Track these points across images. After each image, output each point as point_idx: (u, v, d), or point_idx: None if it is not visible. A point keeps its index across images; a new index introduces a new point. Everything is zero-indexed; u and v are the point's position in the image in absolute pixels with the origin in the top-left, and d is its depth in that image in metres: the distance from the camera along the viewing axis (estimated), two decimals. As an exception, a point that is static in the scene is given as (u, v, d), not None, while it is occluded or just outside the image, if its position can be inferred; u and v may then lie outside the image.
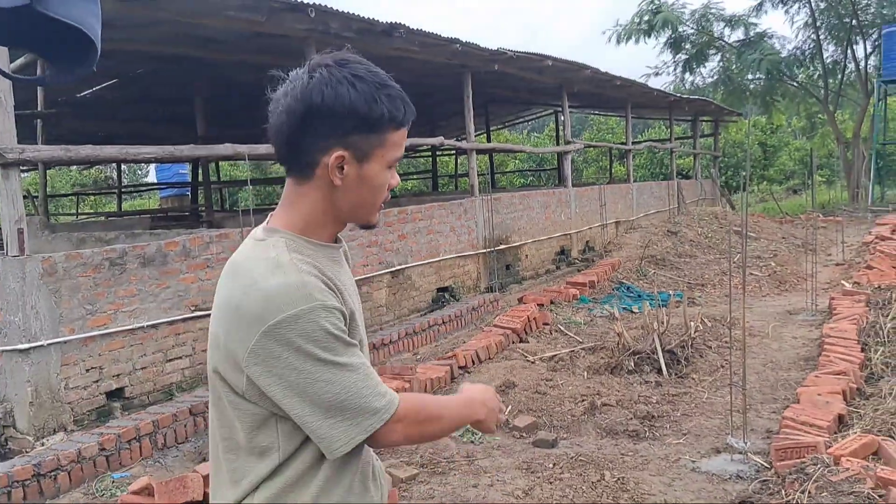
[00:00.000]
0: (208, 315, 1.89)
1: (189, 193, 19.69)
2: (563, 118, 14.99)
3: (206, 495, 4.15)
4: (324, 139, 1.46)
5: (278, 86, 1.50)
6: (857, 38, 26.07)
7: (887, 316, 7.07)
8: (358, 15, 8.03)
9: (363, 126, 1.47)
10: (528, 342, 7.90)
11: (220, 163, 22.31)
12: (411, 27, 8.69)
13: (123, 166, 23.24)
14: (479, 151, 13.79)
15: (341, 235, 1.67)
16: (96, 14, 1.26)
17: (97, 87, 11.92)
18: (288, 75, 1.51)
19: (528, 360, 7.21)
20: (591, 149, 29.98)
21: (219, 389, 1.51)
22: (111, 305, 5.90)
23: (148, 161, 7.53)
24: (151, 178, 30.90)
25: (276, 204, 1.63)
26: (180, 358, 6.41)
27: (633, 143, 18.81)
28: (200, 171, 15.28)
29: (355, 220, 1.59)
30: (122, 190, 21.43)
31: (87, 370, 5.73)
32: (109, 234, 8.57)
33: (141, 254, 6.17)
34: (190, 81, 11.58)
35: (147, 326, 6.15)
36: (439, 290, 9.83)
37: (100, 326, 5.81)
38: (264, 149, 7.67)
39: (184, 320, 6.42)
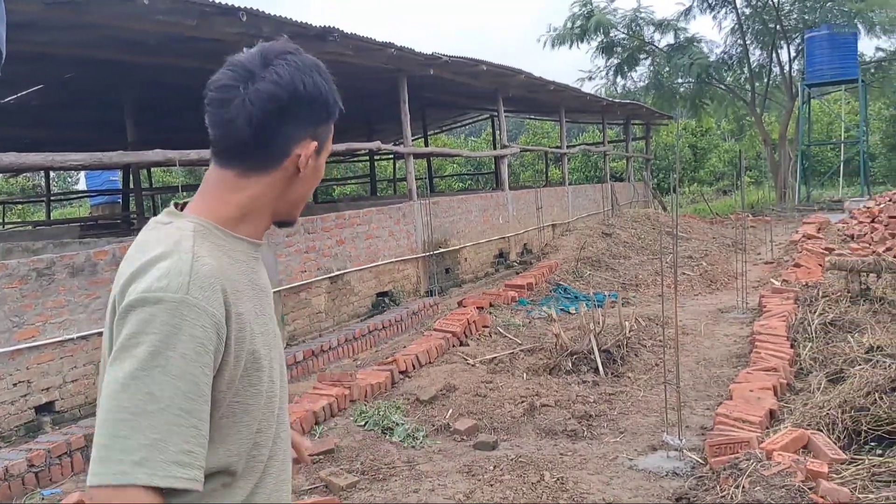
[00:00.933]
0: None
1: (120, 201, 19.23)
2: (499, 122, 15.10)
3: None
4: (302, 129, 1.41)
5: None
6: (782, 42, 26.93)
7: (815, 312, 7.29)
8: (291, 19, 7.95)
9: (326, 116, 1.45)
10: (468, 345, 7.93)
11: (152, 169, 21.85)
12: (345, 31, 8.64)
13: (52, 174, 22.58)
14: (417, 155, 13.79)
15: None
16: (1, 17, 1.21)
17: (22, 93, 11.54)
18: (233, 61, 1.40)
19: (468, 363, 7.23)
20: (528, 153, 30.29)
21: None
22: (39, 317, 5.71)
23: (76, 168, 7.28)
24: (82, 185, 30.07)
25: None
26: (112, 370, 6.24)
27: (568, 146, 19.06)
28: (131, 177, 14.92)
29: (288, 215, 1.50)
30: (51, 198, 20.81)
31: (15, 384, 5.53)
32: (37, 243, 8.31)
33: (70, 263, 5.99)
34: (120, 86, 11.30)
35: (77, 338, 5.98)
36: (379, 294, 9.79)
37: (27, 339, 5.62)
38: (195, 154, 7.53)
39: (116, 331, 6.25)
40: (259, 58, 1.38)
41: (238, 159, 1.40)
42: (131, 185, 15.10)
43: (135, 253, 1.34)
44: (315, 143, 1.42)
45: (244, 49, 1.42)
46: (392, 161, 25.66)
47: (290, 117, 1.38)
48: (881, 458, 4.12)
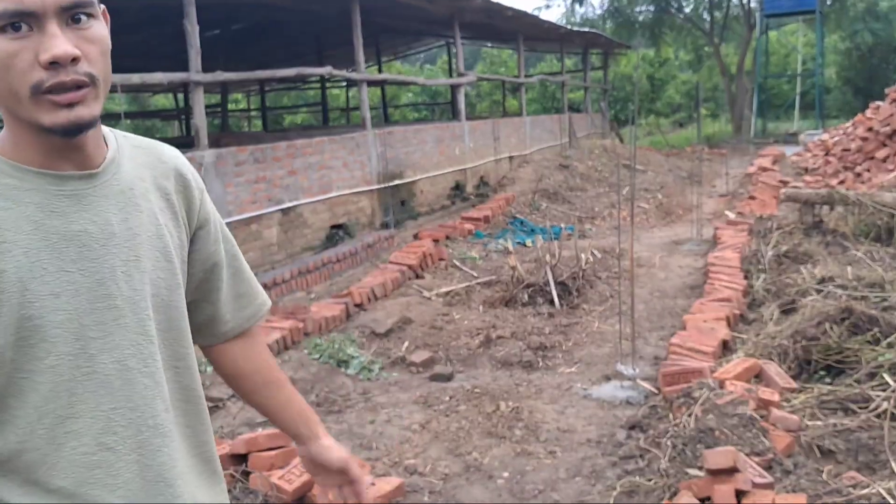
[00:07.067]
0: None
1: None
2: (455, 50, 14.79)
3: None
4: None
5: None
6: (741, -29, 26.75)
7: (769, 244, 7.36)
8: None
9: None
10: (424, 278, 7.87)
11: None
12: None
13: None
14: (371, 83, 13.48)
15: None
16: None
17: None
18: None
19: (424, 297, 7.18)
20: (485, 83, 29.93)
21: None
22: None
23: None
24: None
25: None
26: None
27: (526, 76, 18.81)
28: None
29: (24, 122, 1.10)
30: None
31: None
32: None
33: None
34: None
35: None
36: (333, 227, 9.63)
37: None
38: (138, 78, 7.22)
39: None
40: None
41: None
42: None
43: None
44: None
45: None
46: (345, 89, 25.15)
47: None
48: (830, 387, 4.19)
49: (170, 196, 1.29)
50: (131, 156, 1.25)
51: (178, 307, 1.27)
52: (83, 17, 1.08)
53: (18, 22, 1.03)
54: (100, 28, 1.12)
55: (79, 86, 1.07)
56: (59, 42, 1.04)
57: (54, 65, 1.04)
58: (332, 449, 1.53)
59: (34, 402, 1.11)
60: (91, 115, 1.10)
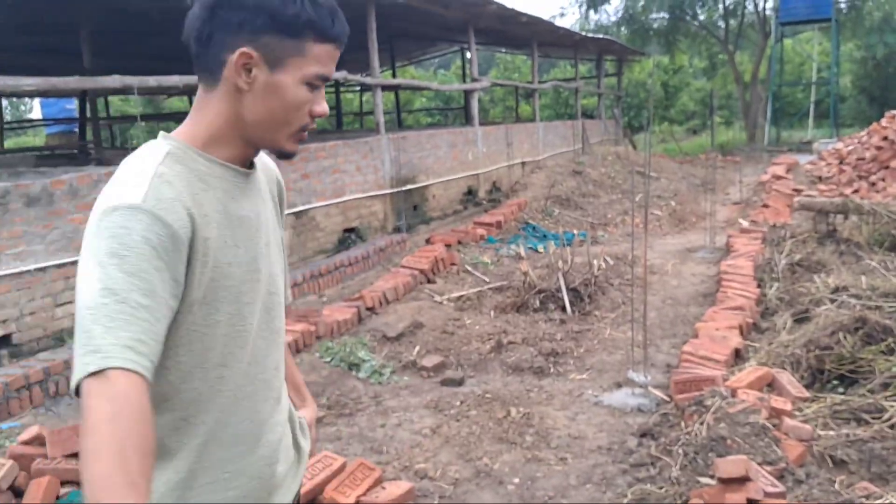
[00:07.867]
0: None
1: (77, 130, 18.69)
2: (469, 55, 14.80)
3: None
4: (232, 35, 1.31)
5: None
6: (757, -22, 26.65)
7: (782, 253, 7.33)
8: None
9: (275, 26, 1.31)
10: (435, 283, 7.88)
11: (110, 98, 21.25)
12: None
13: (4, 101, 21.87)
14: (385, 88, 13.50)
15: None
16: None
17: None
18: None
19: (435, 301, 7.19)
20: (498, 88, 29.91)
21: None
22: (-8, 249, 5.52)
23: (29, 94, 7.05)
24: (36, 114, 29.24)
25: None
26: (71, 302, 6.09)
27: (540, 82, 18.78)
28: (88, 106, 14.46)
29: (264, 141, 1.40)
30: (4, 126, 20.15)
31: (-32, 318, 5.37)
32: (-10, 172, 8.02)
33: (26, 193, 5.77)
34: (75, 9, 10.83)
35: (34, 270, 5.79)
36: (345, 230, 9.66)
37: (-20, 271, 5.43)
38: (154, 81, 7.25)
39: (73, 263, 6.08)
40: None
41: (198, 71, 1.39)
42: (88, 115, 14.63)
43: (114, 175, 1.32)
44: (247, 50, 1.31)
45: None
46: (359, 94, 25.19)
47: (218, 21, 1.32)
48: (842, 396, 4.17)
49: (274, 197, 1.59)
50: (256, 163, 1.51)
51: (282, 286, 1.57)
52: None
53: (319, 82, 1.38)
54: None
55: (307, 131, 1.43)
56: (325, 104, 1.42)
57: (316, 116, 1.40)
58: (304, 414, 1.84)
59: (199, 350, 1.33)
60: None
